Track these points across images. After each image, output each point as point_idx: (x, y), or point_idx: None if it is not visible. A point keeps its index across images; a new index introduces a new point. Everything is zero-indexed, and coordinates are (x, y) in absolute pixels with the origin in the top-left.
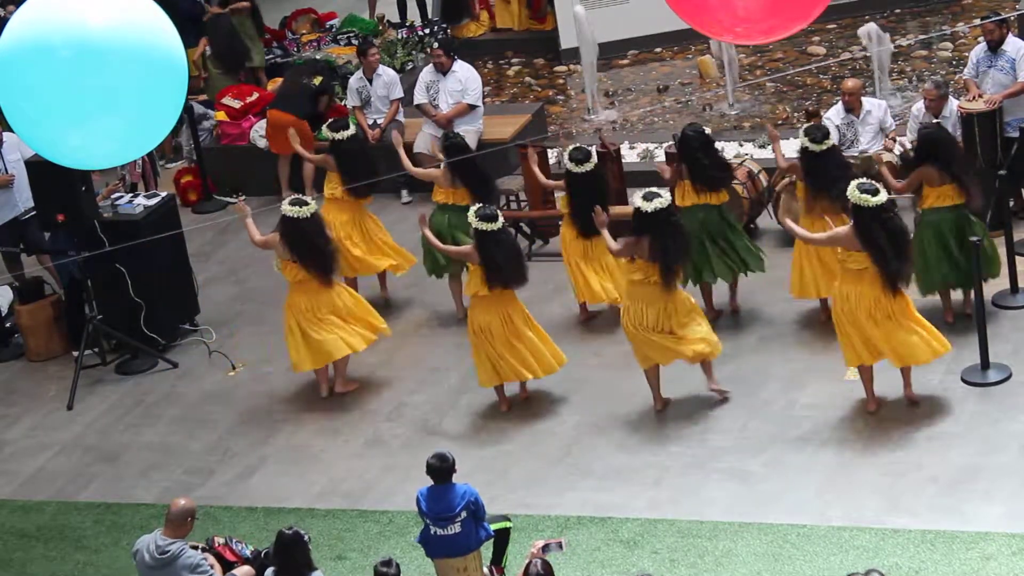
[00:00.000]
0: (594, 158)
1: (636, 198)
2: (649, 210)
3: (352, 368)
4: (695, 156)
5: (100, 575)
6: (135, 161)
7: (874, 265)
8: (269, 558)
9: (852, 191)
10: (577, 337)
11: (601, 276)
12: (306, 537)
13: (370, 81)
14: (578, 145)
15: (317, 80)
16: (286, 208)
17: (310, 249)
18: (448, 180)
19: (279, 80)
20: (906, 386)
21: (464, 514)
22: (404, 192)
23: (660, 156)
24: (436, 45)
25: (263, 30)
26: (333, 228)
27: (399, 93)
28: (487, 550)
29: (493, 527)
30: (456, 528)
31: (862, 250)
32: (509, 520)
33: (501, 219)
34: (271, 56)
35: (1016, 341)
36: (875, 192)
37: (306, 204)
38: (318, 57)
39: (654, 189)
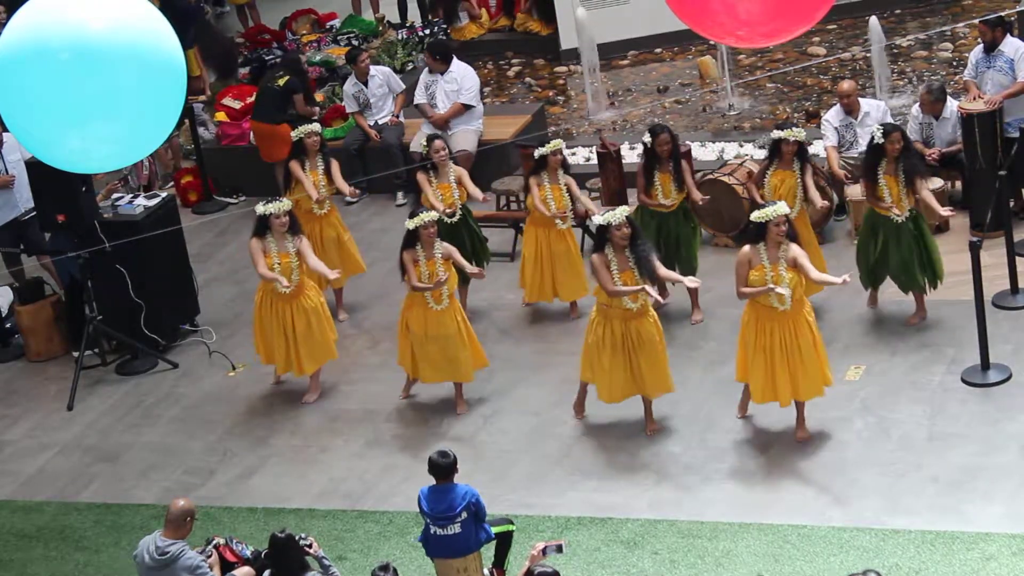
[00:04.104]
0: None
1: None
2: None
3: (353, 367)
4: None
5: (100, 575)
6: (141, 163)
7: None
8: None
9: None
10: (575, 337)
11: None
12: (308, 540)
13: (365, 84)
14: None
15: (280, 82)
16: (261, 208)
17: None
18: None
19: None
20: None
21: (464, 515)
22: (399, 194)
23: None
24: (425, 47)
25: None
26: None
27: (400, 86)
28: (489, 551)
29: (496, 530)
30: (456, 528)
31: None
32: (512, 523)
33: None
34: (271, 56)
35: (1016, 341)
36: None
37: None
38: (317, 58)
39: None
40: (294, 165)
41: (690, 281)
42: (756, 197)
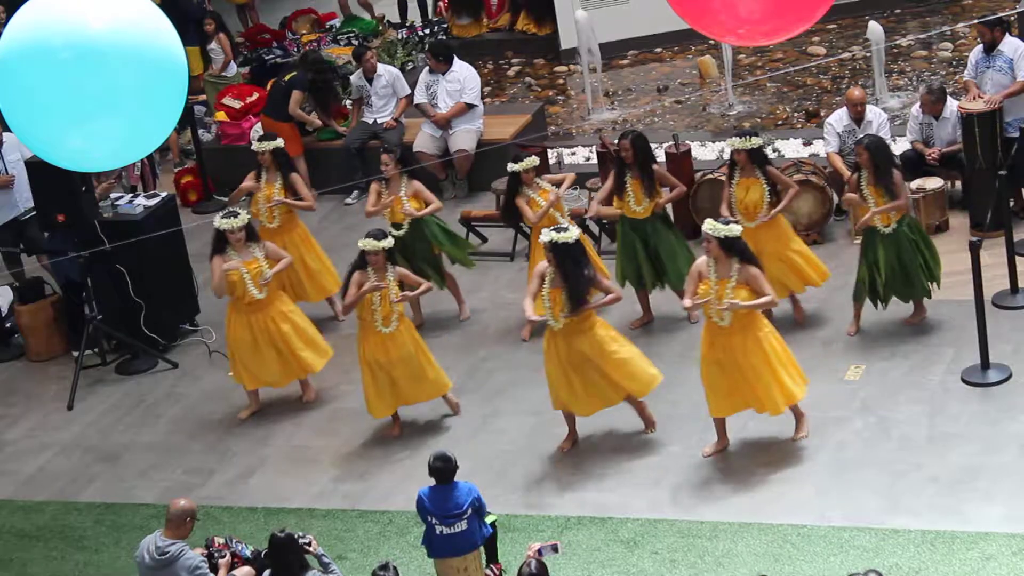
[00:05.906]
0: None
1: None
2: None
3: (353, 367)
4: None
5: (100, 575)
6: (134, 163)
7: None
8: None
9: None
10: None
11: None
12: (307, 539)
13: (369, 81)
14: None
15: (287, 77)
16: (218, 222)
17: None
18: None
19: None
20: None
21: (470, 511)
22: None
23: (660, 156)
24: (426, 48)
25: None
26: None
27: (406, 90)
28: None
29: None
30: (463, 525)
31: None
32: (492, 513)
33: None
34: (271, 56)
35: (1016, 341)
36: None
37: (237, 215)
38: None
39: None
40: (248, 178)
41: (613, 294)
42: (724, 213)
